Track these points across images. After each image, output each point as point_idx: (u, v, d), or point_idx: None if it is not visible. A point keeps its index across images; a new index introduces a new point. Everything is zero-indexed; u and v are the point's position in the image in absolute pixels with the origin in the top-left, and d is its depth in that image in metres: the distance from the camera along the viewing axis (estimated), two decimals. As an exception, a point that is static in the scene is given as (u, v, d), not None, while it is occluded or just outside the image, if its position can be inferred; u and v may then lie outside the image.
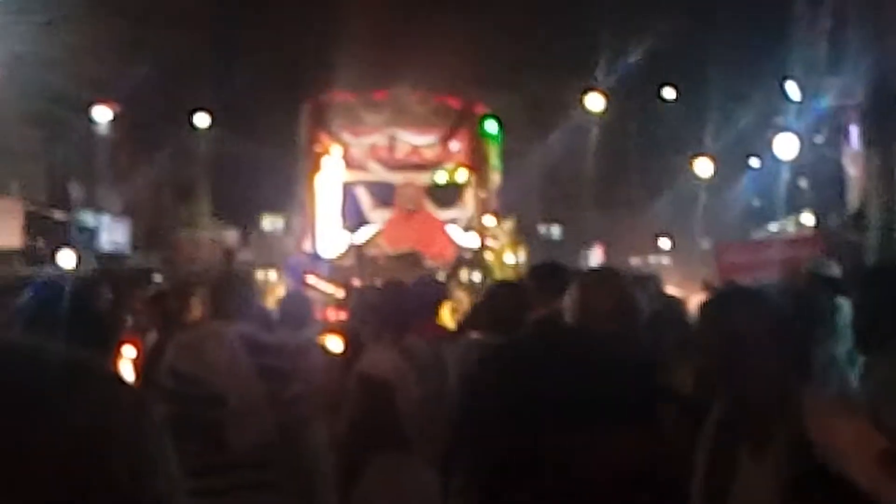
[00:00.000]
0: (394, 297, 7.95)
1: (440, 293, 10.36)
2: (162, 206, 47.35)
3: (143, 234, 44.40)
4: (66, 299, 6.71)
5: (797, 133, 35.09)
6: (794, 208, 38.59)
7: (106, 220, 41.70)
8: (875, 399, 5.27)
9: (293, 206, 27.92)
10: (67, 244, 36.07)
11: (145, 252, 41.06)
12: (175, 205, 48.90)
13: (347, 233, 25.93)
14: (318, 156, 25.11)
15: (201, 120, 46.48)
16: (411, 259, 22.19)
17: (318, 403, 8.55)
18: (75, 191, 41.06)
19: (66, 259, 33.55)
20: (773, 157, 37.27)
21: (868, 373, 6.47)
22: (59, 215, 38.50)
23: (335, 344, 10.28)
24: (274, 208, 42.30)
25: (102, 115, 41.71)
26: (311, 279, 20.14)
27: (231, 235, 44.32)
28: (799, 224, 38.14)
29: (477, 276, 22.17)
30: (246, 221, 45.65)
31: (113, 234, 41.72)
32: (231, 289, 7.60)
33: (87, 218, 40.66)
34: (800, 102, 34.15)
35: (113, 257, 37.70)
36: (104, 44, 37.04)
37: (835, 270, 12.18)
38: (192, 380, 6.92)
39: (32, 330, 6.54)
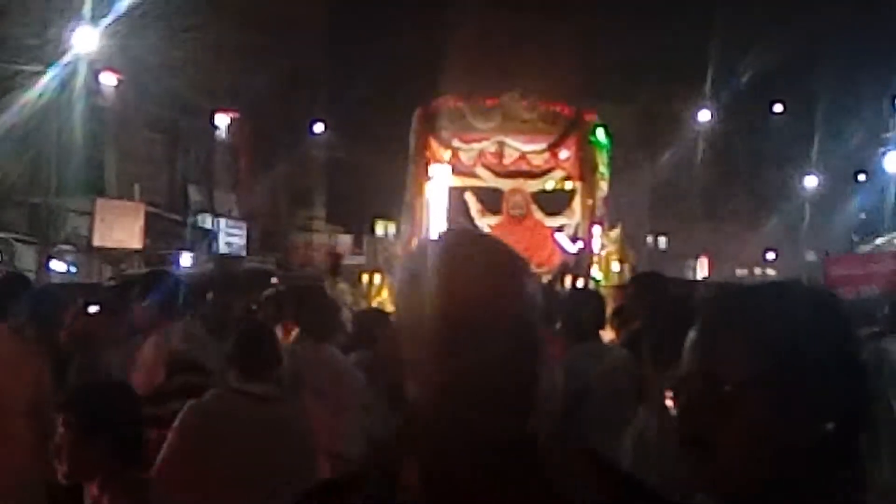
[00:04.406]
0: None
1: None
2: (278, 210, 48.15)
3: (259, 237, 45.25)
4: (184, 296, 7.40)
5: (905, 148, 35.19)
6: (902, 223, 38.49)
7: (223, 223, 42.82)
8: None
9: (404, 211, 28.11)
10: (186, 246, 37.05)
11: (261, 255, 41.76)
12: (291, 210, 49.72)
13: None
14: (428, 162, 25.15)
15: (318, 127, 47.51)
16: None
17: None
18: (195, 194, 42.06)
19: (184, 260, 34.41)
20: (881, 172, 37.30)
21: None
22: (178, 218, 39.52)
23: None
24: (386, 214, 42.75)
25: (223, 121, 42.85)
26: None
27: (344, 239, 44.93)
28: (905, 238, 38.01)
29: (581, 283, 22.05)
30: (359, 226, 46.30)
31: (230, 236, 42.76)
32: (327, 310, 8.13)
33: (206, 221, 41.82)
34: (909, 118, 34.17)
35: (229, 259, 38.48)
36: (225, 52, 37.96)
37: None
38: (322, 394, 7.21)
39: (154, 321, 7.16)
